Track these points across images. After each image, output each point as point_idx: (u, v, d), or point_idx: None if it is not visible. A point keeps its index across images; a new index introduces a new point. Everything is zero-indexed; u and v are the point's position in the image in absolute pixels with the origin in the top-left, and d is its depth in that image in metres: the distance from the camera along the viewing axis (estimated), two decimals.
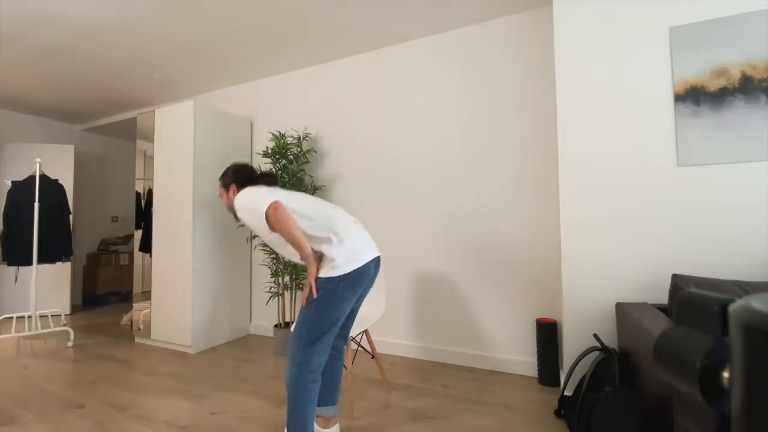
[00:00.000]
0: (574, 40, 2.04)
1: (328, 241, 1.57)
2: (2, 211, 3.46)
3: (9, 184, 3.40)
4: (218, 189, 1.81)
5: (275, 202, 1.47)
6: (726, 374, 0.28)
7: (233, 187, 1.75)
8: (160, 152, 3.16)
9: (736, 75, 1.72)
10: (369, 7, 2.46)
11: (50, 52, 3.04)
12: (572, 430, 1.68)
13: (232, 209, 1.73)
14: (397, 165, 2.91)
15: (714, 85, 1.76)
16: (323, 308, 1.54)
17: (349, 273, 1.55)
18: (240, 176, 1.78)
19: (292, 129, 3.40)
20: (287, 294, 3.06)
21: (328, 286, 1.56)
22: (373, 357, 2.13)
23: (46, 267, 4.02)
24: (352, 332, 1.89)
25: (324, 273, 1.56)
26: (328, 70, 3.26)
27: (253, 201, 1.56)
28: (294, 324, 1.62)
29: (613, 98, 1.96)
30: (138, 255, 3.45)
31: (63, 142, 4.84)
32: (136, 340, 3.27)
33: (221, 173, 1.82)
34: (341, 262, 1.54)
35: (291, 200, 1.56)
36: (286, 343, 2.77)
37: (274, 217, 1.47)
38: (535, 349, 2.36)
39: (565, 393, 1.84)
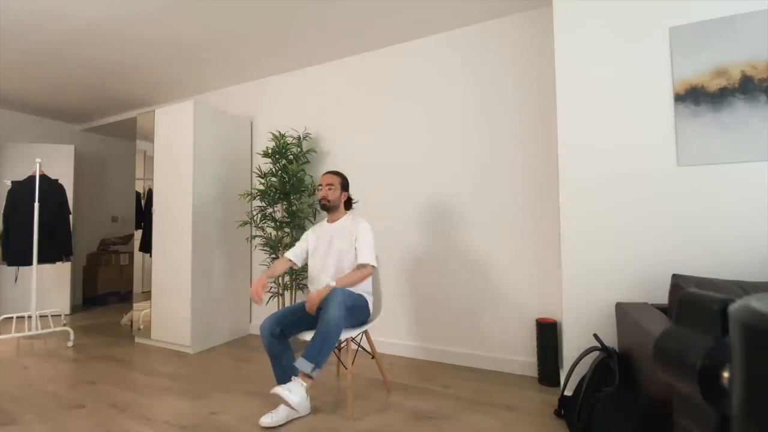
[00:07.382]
0: (574, 40, 2.04)
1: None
2: (2, 211, 3.45)
3: (9, 184, 3.40)
4: (327, 180, 2.14)
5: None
6: (726, 374, 0.28)
7: (346, 194, 2.18)
8: (160, 152, 3.16)
9: (736, 75, 1.72)
10: (369, 7, 2.46)
11: (50, 52, 3.04)
12: (572, 430, 1.68)
13: (333, 203, 2.11)
14: (397, 165, 2.91)
15: (714, 85, 1.76)
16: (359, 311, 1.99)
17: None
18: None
19: (292, 129, 3.40)
20: (287, 294, 3.06)
21: (368, 302, 2.08)
22: (373, 357, 2.13)
23: (46, 267, 4.01)
24: (352, 332, 1.90)
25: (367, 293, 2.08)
26: (328, 70, 3.26)
27: (372, 240, 2.05)
28: (339, 299, 1.78)
29: (613, 98, 1.96)
30: (138, 255, 3.45)
31: (63, 142, 4.83)
32: (136, 340, 3.27)
33: (339, 173, 2.19)
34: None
35: None
36: None
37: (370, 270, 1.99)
38: (535, 349, 2.36)
39: (565, 393, 1.84)
